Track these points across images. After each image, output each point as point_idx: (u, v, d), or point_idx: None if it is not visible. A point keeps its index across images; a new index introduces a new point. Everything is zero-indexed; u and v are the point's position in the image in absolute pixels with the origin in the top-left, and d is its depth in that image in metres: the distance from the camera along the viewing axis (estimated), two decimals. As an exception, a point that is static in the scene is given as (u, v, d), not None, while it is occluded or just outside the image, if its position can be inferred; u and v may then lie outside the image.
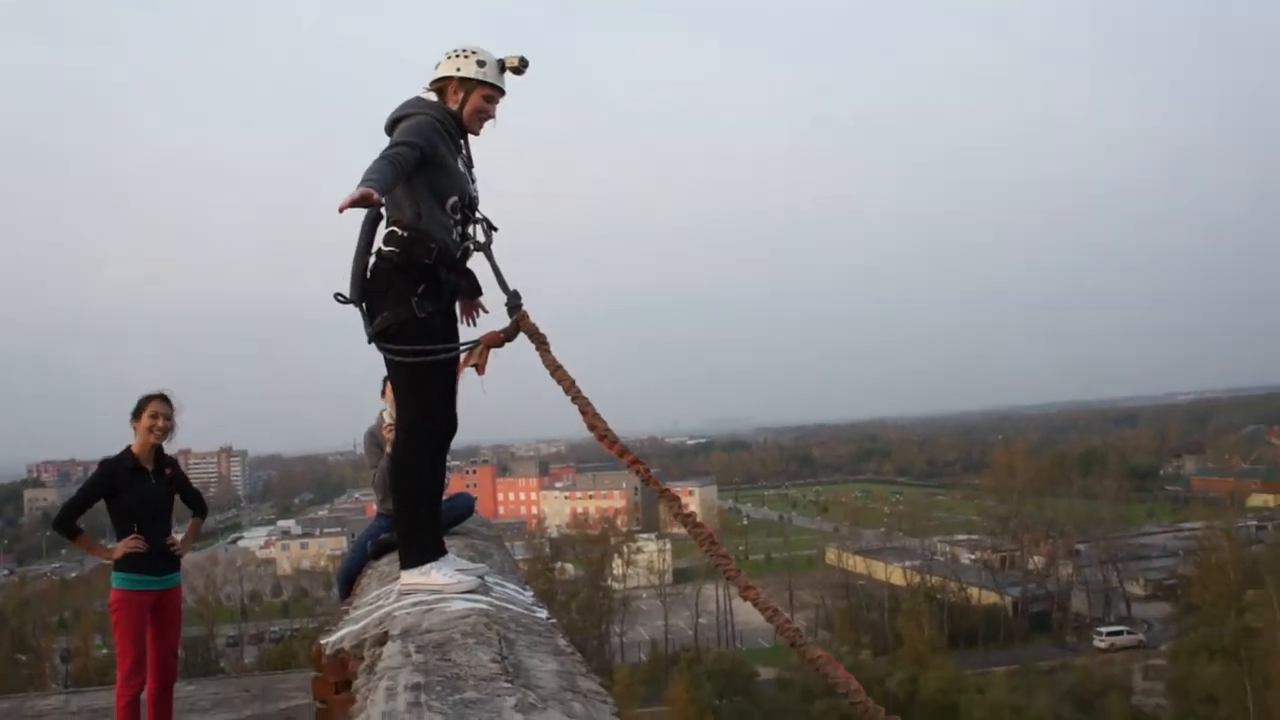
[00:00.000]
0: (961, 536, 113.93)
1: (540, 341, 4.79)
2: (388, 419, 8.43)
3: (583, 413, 4.48)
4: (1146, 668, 68.52)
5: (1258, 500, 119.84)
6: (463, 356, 4.92)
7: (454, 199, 4.98)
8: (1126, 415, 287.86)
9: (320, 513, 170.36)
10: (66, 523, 7.11)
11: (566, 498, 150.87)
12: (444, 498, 8.63)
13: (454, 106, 5.08)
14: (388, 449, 8.33)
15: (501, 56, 5.14)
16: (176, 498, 7.58)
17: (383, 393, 8.45)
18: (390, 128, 4.97)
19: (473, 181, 5.16)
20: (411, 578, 4.84)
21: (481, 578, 4.91)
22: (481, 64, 5.05)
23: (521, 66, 5.14)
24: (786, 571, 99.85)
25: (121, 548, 7.04)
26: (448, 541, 7.34)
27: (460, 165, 5.10)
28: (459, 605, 4.44)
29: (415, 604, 4.60)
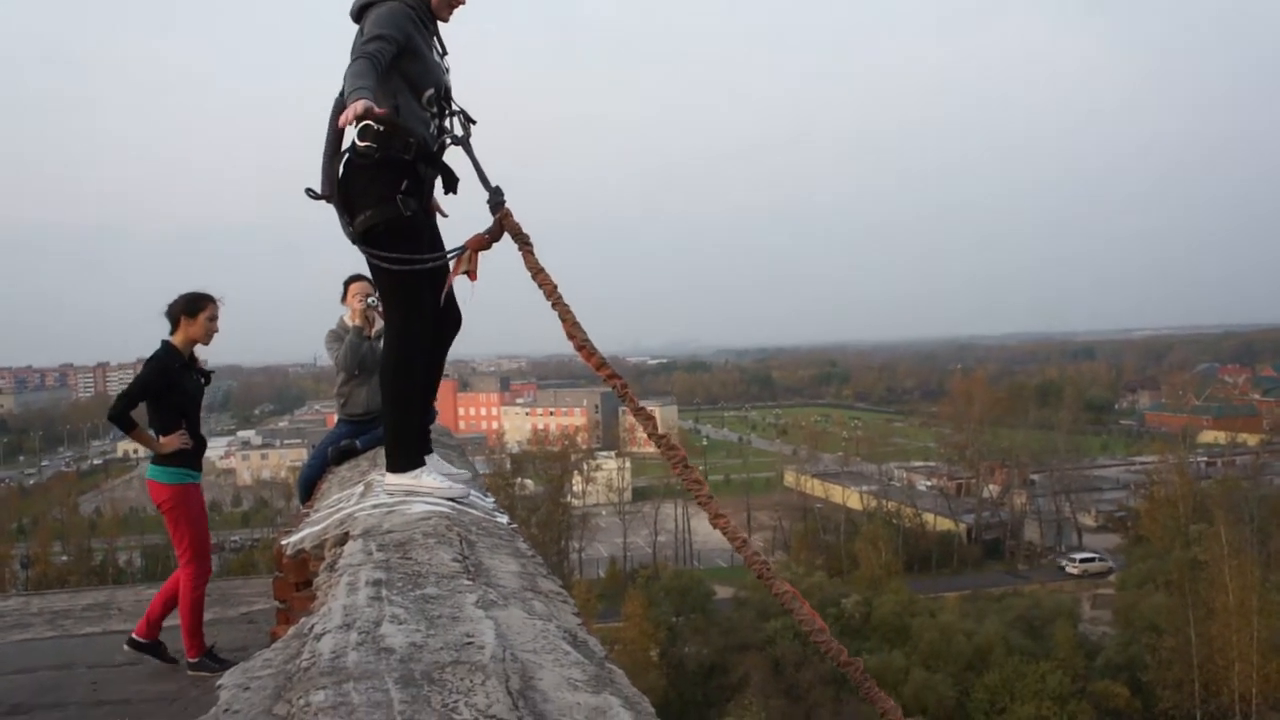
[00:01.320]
0: (918, 463, 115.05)
1: (524, 242, 4.54)
2: (347, 322, 8.45)
3: (562, 320, 4.29)
4: (1095, 596, 69.85)
5: (1208, 437, 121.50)
6: (452, 264, 4.67)
7: (430, 91, 4.77)
8: (1084, 349, 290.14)
9: (280, 424, 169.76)
10: (124, 415, 7.11)
11: (527, 414, 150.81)
12: None
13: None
14: (348, 337, 8.39)
15: None
16: None
17: (343, 298, 8.46)
18: (357, 15, 4.73)
19: (447, 71, 4.93)
20: (399, 480, 4.77)
21: (467, 485, 4.88)
22: None
23: None
24: (745, 493, 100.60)
25: (175, 441, 7.14)
26: None
27: (434, 55, 4.87)
28: (419, 507, 4.44)
29: (375, 505, 4.60)
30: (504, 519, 4.85)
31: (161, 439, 7.18)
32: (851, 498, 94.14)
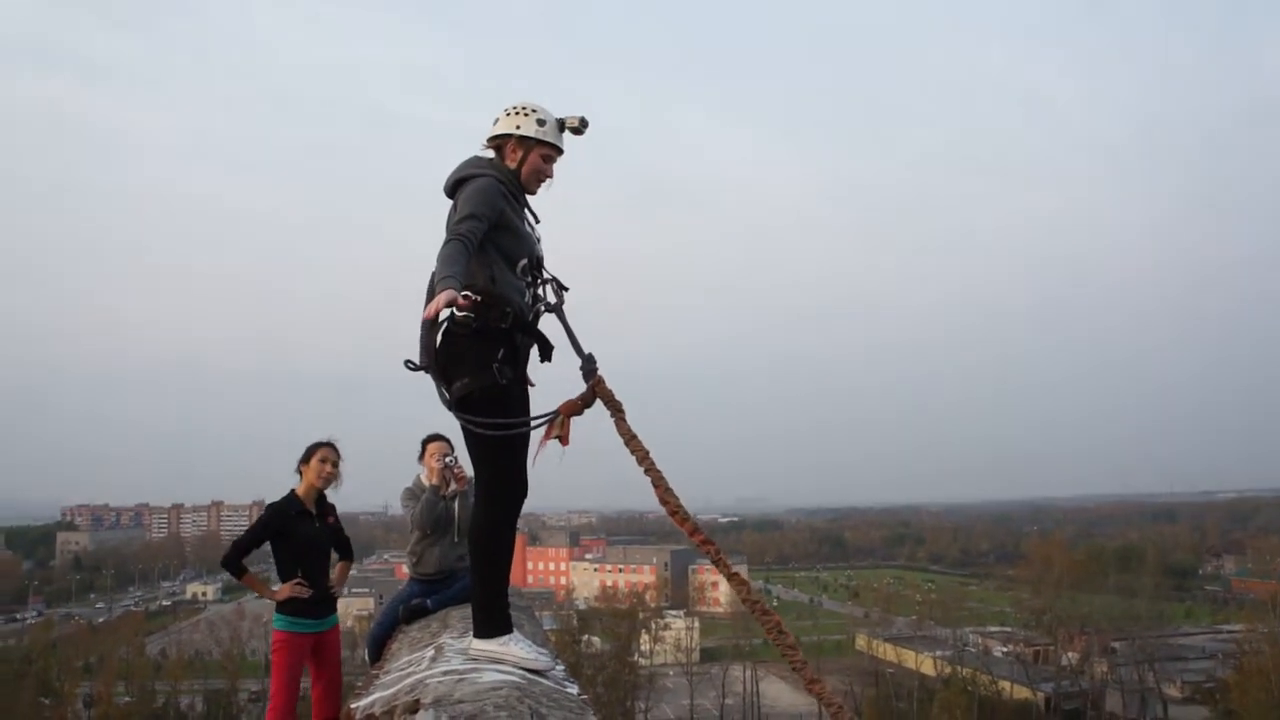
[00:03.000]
0: (994, 628, 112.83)
1: (616, 409, 4.69)
2: (424, 480, 8.45)
3: (655, 486, 4.40)
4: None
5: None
6: (544, 428, 4.76)
7: (523, 261, 4.92)
8: (1165, 511, 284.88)
9: (349, 572, 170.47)
10: (235, 562, 7.26)
11: (596, 570, 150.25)
12: None
13: (512, 165, 5.03)
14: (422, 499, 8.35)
15: (561, 116, 5.07)
16: None
17: (420, 456, 8.48)
18: (451, 190, 4.94)
19: (538, 240, 5.09)
20: (487, 647, 4.80)
21: (550, 657, 4.90)
22: (541, 123, 4.99)
23: (581, 127, 5.08)
24: (815, 656, 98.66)
25: (286, 591, 7.24)
26: None
27: (526, 226, 5.03)
28: (491, 676, 4.39)
29: (447, 672, 4.57)
30: (574, 689, 4.82)
31: (278, 588, 7.29)
32: (925, 663, 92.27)
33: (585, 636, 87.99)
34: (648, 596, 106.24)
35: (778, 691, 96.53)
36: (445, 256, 4.48)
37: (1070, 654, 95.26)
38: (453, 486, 8.37)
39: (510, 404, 4.78)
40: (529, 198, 5.13)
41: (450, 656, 5.02)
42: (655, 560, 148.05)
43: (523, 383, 4.97)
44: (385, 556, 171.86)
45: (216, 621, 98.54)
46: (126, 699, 76.30)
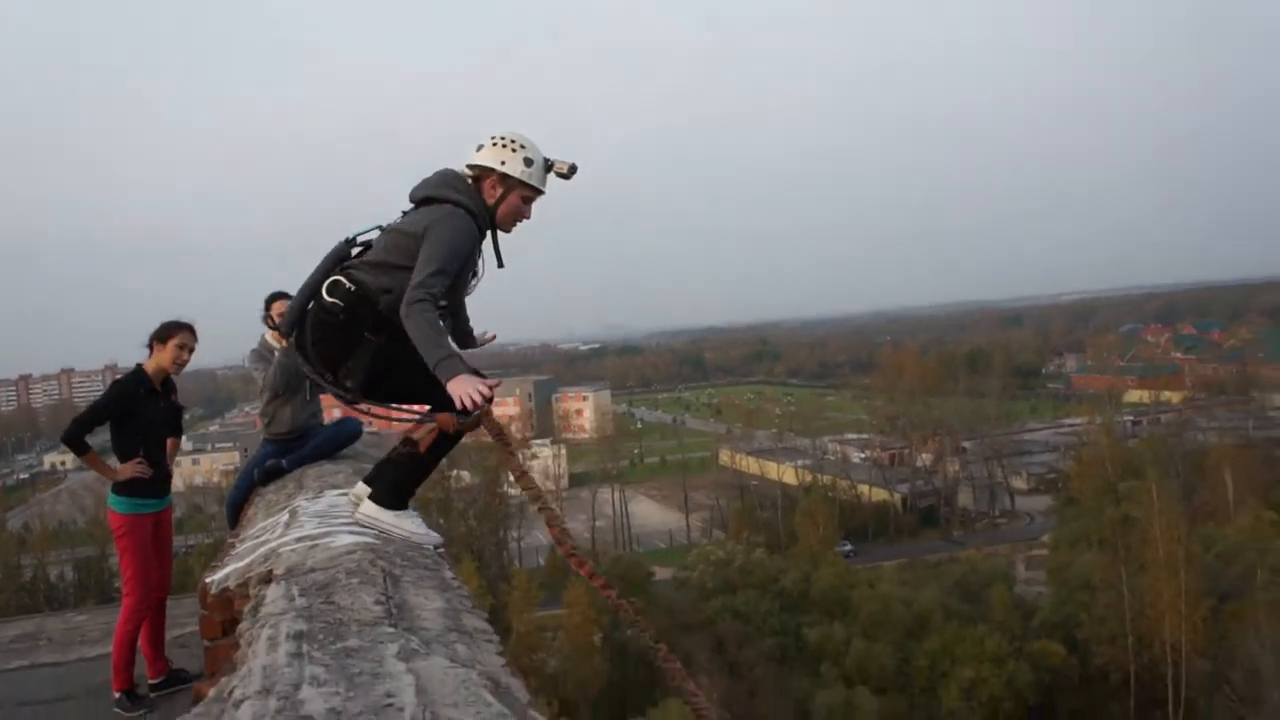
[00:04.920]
0: (852, 435, 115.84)
1: (506, 443, 4.58)
2: (271, 341, 8.27)
3: (549, 525, 4.22)
4: (1029, 558, 70.79)
5: (1134, 396, 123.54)
6: (414, 429, 4.72)
7: (444, 304, 4.69)
8: (1011, 315, 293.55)
9: (211, 428, 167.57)
10: (77, 438, 6.94)
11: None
12: (328, 422, 8.59)
13: (489, 201, 4.76)
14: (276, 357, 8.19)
15: (550, 157, 4.82)
16: None
17: (265, 315, 8.25)
18: (421, 203, 4.71)
19: (475, 276, 4.89)
20: (380, 516, 4.76)
21: (437, 547, 4.79)
22: (529, 162, 4.72)
23: (570, 173, 4.84)
24: (681, 473, 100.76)
25: (129, 470, 7.01)
26: (335, 466, 7.26)
27: (471, 272, 4.83)
28: (344, 540, 4.39)
29: (300, 539, 4.54)
30: (431, 541, 4.78)
31: (118, 466, 7.03)
32: (787, 473, 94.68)
33: (454, 472, 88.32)
34: (513, 428, 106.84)
35: (647, 510, 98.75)
36: (428, 332, 4.28)
37: (924, 455, 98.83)
38: None
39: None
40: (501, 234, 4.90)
41: (304, 521, 4.94)
42: (518, 392, 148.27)
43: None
44: (246, 410, 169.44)
45: (78, 490, 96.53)
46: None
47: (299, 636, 3.00)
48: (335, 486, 6.25)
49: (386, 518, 4.73)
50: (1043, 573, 63.79)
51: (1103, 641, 49.75)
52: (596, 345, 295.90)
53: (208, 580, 4.63)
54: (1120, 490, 65.48)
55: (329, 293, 4.57)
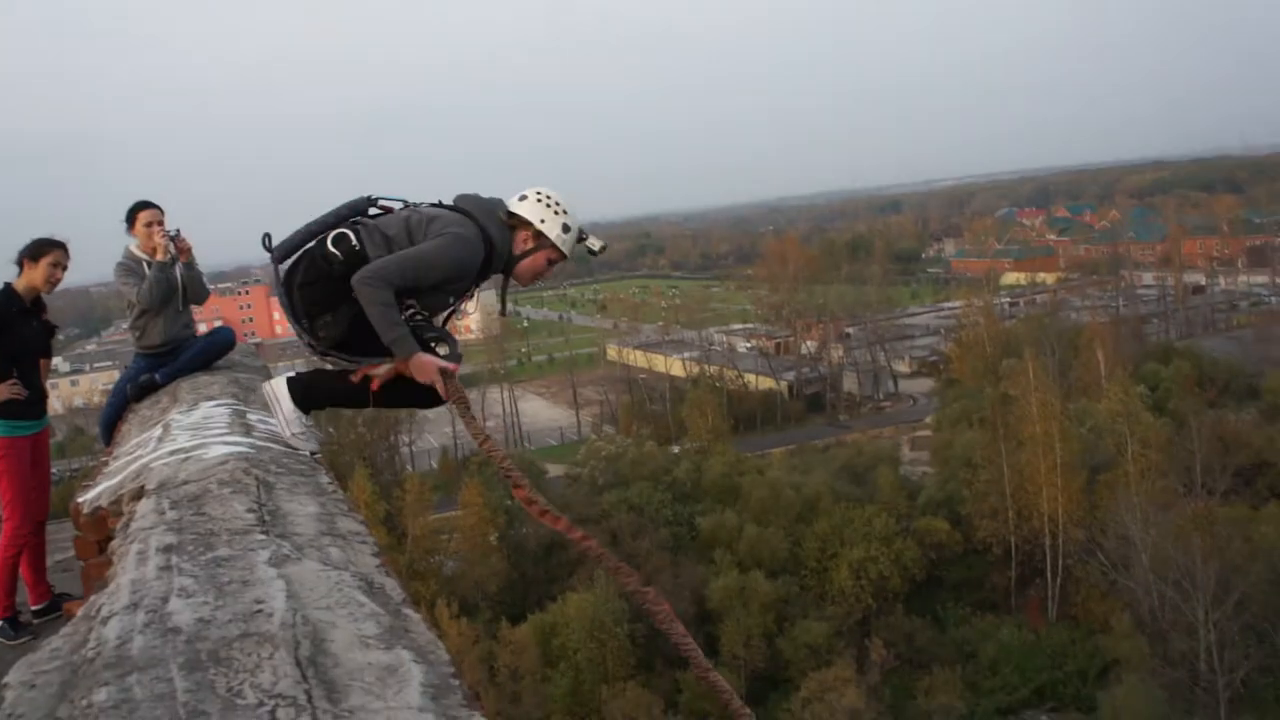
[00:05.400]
0: (737, 326, 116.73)
1: (464, 407, 4.55)
2: (137, 252, 7.99)
3: (515, 487, 4.02)
4: (913, 439, 72.48)
5: (1010, 278, 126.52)
6: (373, 366, 4.64)
7: (412, 308, 4.65)
8: (891, 202, 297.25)
9: (88, 347, 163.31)
10: None
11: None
12: (203, 334, 8.42)
13: (516, 250, 4.79)
14: (148, 271, 7.94)
15: (584, 227, 4.88)
16: None
17: (129, 226, 7.97)
18: (451, 208, 4.73)
19: (457, 307, 4.92)
20: (282, 399, 4.80)
21: (313, 453, 4.79)
22: (566, 229, 4.77)
23: (600, 252, 4.97)
24: (569, 370, 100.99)
25: (3, 392, 6.81)
26: (210, 378, 7.16)
27: (454, 294, 4.81)
28: (217, 451, 4.36)
29: (173, 452, 4.50)
30: (308, 448, 4.76)
31: None
32: (674, 366, 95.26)
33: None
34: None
35: (536, 409, 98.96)
36: (379, 309, 4.33)
37: (808, 343, 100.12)
38: (174, 254, 7.89)
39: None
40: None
41: (177, 434, 4.88)
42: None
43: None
44: (124, 326, 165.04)
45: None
46: None
47: (168, 549, 3.00)
48: (210, 398, 6.17)
49: (285, 404, 4.75)
50: (926, 453, 65.39)
51: (984, 516, 51.30)
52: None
53: (80, 500, 4.60)
54: (999, 370, 67.19)
55: (334, 243, 4.53)
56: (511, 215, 4.77)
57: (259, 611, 2.41)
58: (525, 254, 4.79)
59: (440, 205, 4.77)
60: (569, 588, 47.15)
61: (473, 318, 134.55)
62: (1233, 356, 79.07)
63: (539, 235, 4.76)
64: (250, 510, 3.37)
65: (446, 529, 56.04)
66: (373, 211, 4.76)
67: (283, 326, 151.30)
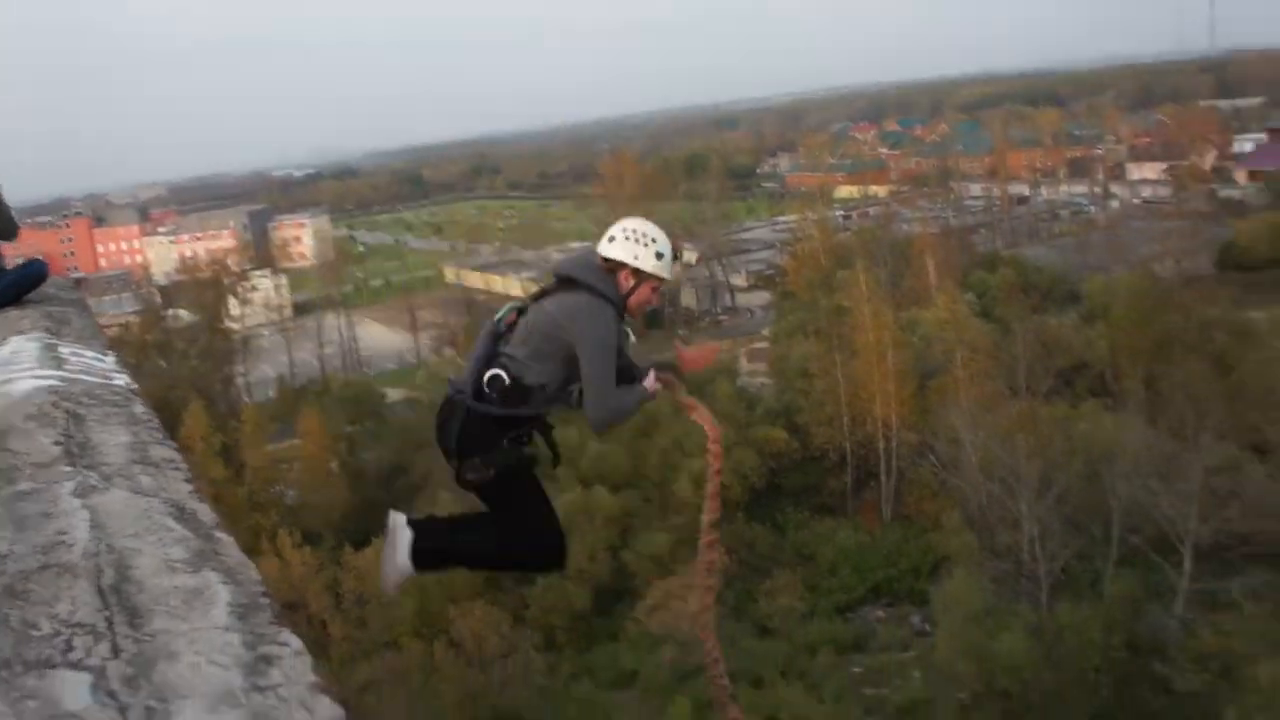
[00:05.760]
0: (576, 244, 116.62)
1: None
2: None
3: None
4: (751, 351, 73.59)
5: (844, 192, 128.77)
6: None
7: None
8: (726, 118, 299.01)
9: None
10: None
11: (173, 242, 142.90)
12: (15, 266, 8.03)
13: (622, 290, 4.99)
14: None
15: (670, 247, 5.10)
16: None
17: None
18: (564, 282, 4.97)
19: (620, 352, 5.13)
20: (400, 550, 5.03)
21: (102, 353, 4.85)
22: (659, 256, 5.01)
23: (696, 263, 5.26)
24: (406, 294, 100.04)
25: None
26: (20, 312, 6.88)
27: (617, 351, 5.01)
28: (25, 385, 4.24)
29: None
30: (121, 380, 4.68)
31: None
32: (513, 286, 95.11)
33: (171, 311, 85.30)
34: (230, 261, 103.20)
35: (375, 334, 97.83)
36: (622, 414, 5.12)
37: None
38: None
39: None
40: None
41: None
42: (233, 224, 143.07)
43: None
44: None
45: None
46: None
47: (-32, 487, 2.93)
48: (20, 333, 5.91)
49: (399, 553, 5.00)
50: (764, 364, 66.53)
51: (821, 424, 52.59)
52: (311, 170, 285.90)
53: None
54: (833, 282, 68.45)
55: (489, 385, 4.83)
56: (607, 259, 5.01)
57: (60, 543, 2.39)
58: (631, 291, 5.03)
59: (546, 293, 5.07)
60: (412, 510, 46.96)
61: (306, 245, 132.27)
62: (1055, 264, 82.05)
63: (637, 271, 4.98)
64: (57, 443, 3.30)
65: (286, 459, 55.37)
66: (504, 328, 5.05)
67: (108, 260, 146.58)
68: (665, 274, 5.08)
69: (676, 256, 5.15)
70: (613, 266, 4.99)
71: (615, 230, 5.07)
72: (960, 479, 45.14)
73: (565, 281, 4.97)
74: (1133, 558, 40.65)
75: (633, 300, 5.07)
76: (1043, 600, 38.68)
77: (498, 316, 5.07)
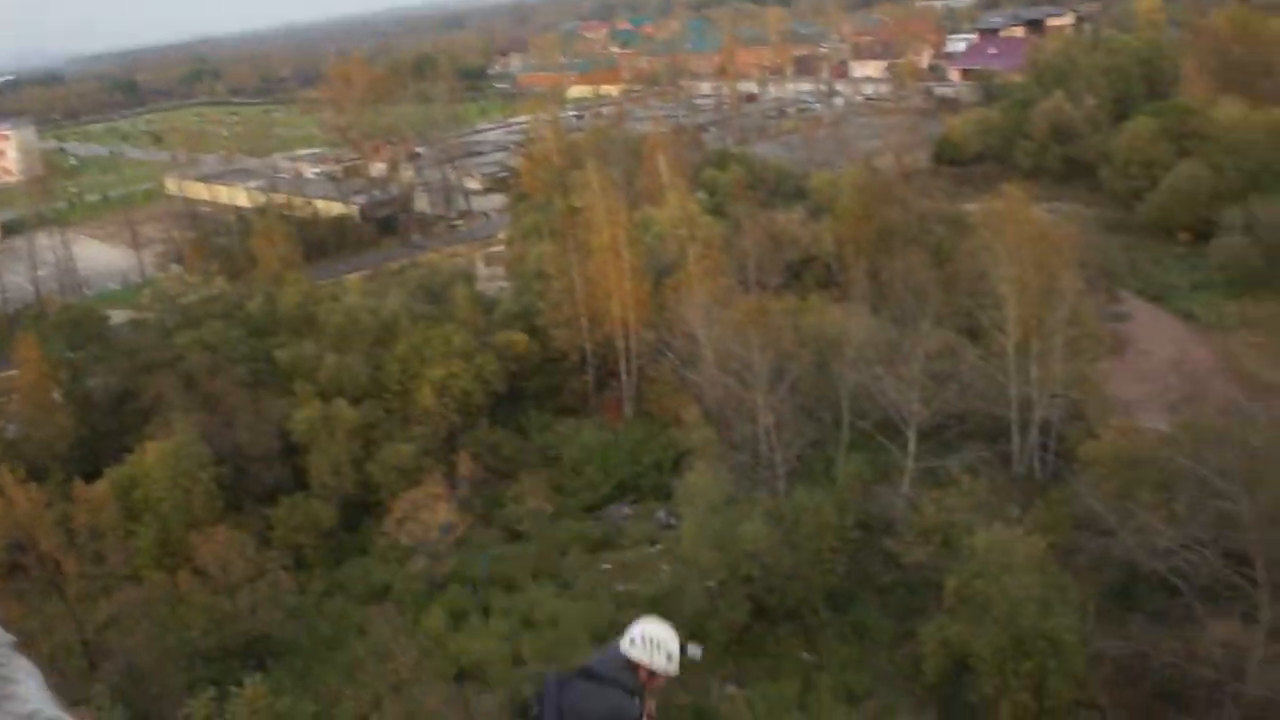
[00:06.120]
0: (304, 151, 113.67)
1: None
2: None
3: None
4: (487, 255, 73.23)
5: (576, 91, 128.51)
6: None
7: None
8: (454, 18, 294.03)
9: None
10: None
11: None
12: None
13: (642, 679, 5.70)
14: None
15: (676, 646, 5.82)
16: None
17: None
18: (597, 676, 5.67)
19: None
20: None
21: None
22: (669, 657, 5.75)
23: (699, 658, 6.29)
24: (125, 209, 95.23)
25: None
26: None
27: None
28: None
29: None
30: None
31: None
32: (240, 196, 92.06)
33: None
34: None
35: (94, 253, 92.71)
36: None
37: (378, 165, 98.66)
38: None
39: None
40: None
41: None
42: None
43: None
44: None
45: None
46: None
47: None
48: None
49: None
50: (501, 268, 66.27)
51: (560, 325, 52.82)
52: (10, 76, 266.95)
53: None
54: (567, 182, 68.42)
55: None
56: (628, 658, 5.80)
57: None
58: (647, 682, 5.77)
59: (583, 674, 5.76)
60: (146, 437, 44.89)
61: (11, 159, 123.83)
62: (783, 160, 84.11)
63: (652, 672, 5.77)
64: None
65: (3, 390, 52.31)
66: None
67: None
68: (672, 672, 5.83)
69: (684, 651, 5.89)
70: (633, 662, 5.77)
71: (636, 635, 5.79)
72: (698, 374, 46.19)
73: (600, 677, 5.72)
74: (863, 442, 42.63)
75: (648, 686, 5.78)
76: (780, 488, 40.16)
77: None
